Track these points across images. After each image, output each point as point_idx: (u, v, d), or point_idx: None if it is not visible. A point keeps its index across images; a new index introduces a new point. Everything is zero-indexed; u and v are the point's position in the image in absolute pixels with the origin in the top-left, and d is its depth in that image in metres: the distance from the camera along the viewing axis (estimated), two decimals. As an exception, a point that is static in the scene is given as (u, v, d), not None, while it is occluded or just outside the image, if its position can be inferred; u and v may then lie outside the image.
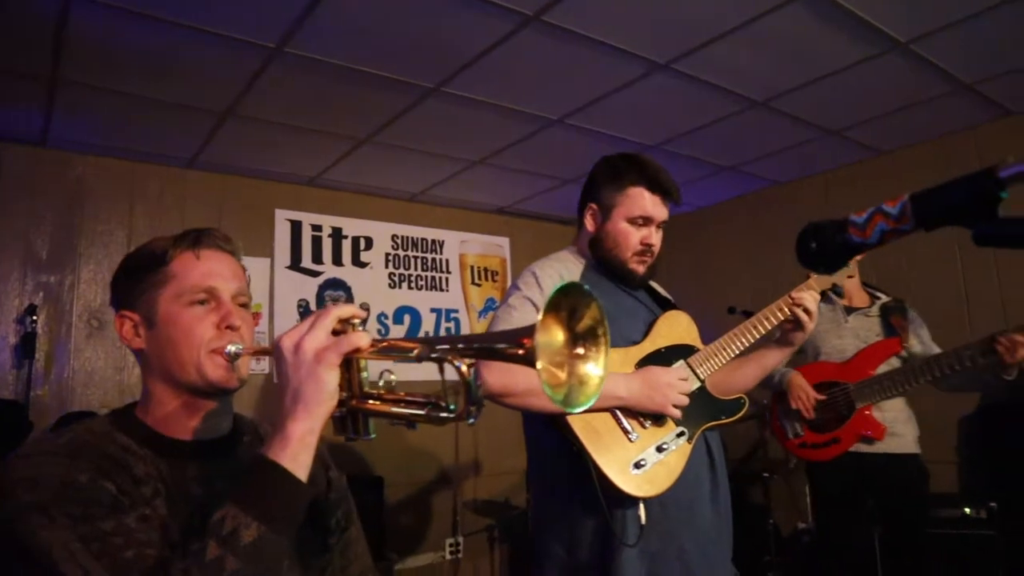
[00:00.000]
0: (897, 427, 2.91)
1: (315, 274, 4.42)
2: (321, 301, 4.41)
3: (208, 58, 2.96)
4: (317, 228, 4.47)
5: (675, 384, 1.75)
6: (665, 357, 1.84)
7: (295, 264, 4.36)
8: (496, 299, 5.14)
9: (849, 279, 3.06)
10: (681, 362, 1.85)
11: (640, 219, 1.86)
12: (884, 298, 3.12)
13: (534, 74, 3.28)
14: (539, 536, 1.83)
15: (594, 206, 1.92)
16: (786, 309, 1.92)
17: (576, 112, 3.69)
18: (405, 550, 4.39)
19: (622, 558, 1.66)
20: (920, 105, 3.83)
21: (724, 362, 1.89)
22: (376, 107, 3.52)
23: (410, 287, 4.78)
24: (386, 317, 4.65)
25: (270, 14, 2.67)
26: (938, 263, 4.22)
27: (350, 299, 4.54)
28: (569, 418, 1.68)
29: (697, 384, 1.84)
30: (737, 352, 1.91)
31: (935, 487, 3.87)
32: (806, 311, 1.88)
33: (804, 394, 2.94)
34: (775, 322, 1.94)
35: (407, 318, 4.73)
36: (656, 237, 1.90)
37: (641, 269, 1.90)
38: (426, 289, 4.84)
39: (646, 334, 1.87)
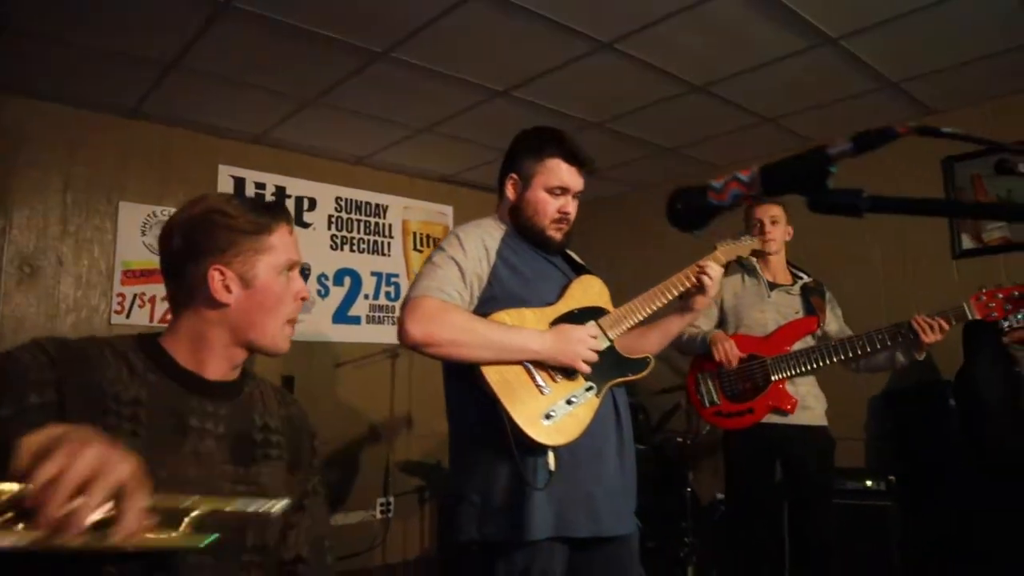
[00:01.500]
0: (808, 400, 3.05)
1: (257, 231, 4.43)
2: (262, 259, 4.42)
3: (157, 7, 2.93)
4: (261, 186, 4.48)
5: (585, 340, 1.86)
6: (577, 318, 1.94)
7: (237, 221, 4.36)
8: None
9: (774, 256, 3.23)
10: (592, 322, 1.95)
11: (557, 189, 1.98)
12: (806, 278, 3.26)
13: (481, 45, 3.35)
14: (455, 485, 1.93)
15: (515, 176, 2.02)
16: (692, 276, 2.07)
17: (521, 85, 3.78)
18: (335, 507, 4.47)
19: (532, 502, 1.76)
20: (850, 100, 4.02)
21: (633, 324, 2.02)
22: (324, 68, 3.54)
23: (352, 249, 4.83)
24: (327, 278, 4.69)
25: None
26: (856, 252, 4.45)
27: (291, 258, 4.57)
28: (484, 370, 1.78)
29: (607, 343, 1.95)
30: (646, 315, 2.04)
31: (843, 461, 4.13)
32: (711, 278, 2.04)
33: (730, 352, 3.03)
34: (682, 288, 2.08)
35: (347, 280, 4.78)
36: (572, 206, 2.02)
37: (558, 236, 2.01)
38: (368, 252, 4.89)
39: (560, 296, 1.97)
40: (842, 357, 2.94)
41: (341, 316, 4.72)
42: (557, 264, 2.06)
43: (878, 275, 4.39)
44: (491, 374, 1.78)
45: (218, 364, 1.31)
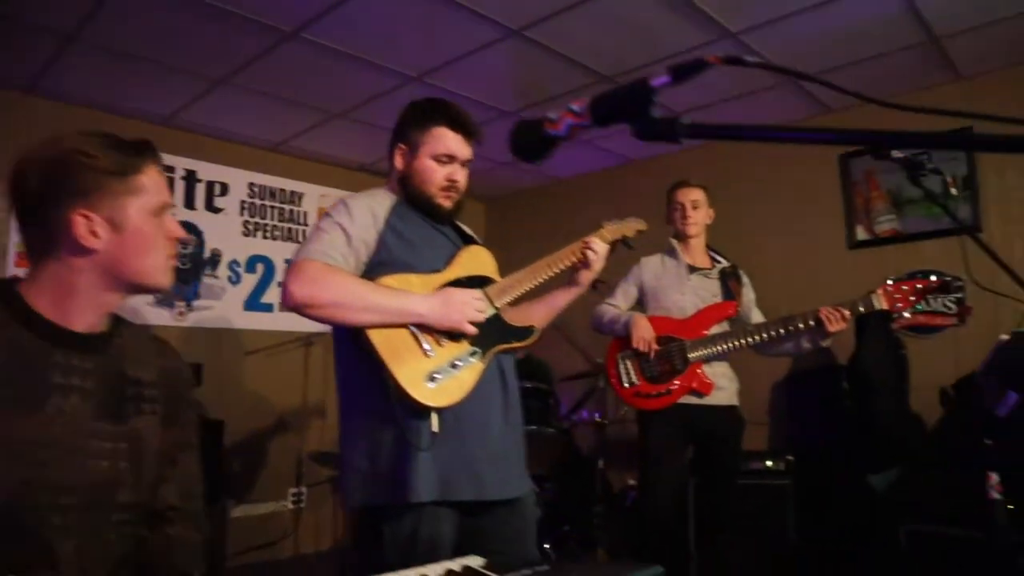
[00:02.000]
0: (722, 382, 3.14)
1: (165, 216, 4.33)
2: (170, 244, 4.32)
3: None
4: (169, 169, 4.37)
5: (471, 304, 1.89)
6: (464, 285, 1.97)
7: (143, 204, 4.25)
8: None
9: (695, 239, 3.30)
10: (479, 290, 1.98)
11: (444, 156, 1.99)
12: (724, 263, 3.34)
13: (393, 29, 3.37)
14: (343, 450, 1.93)
15: (403, 146, 2.03)
16: (578, 251, 2.15)
17: (434, 71, 3.81)
18: (245, 497, 4.40)
19: (416, 464, 1.78)
20: (752, 95, 4.19)
21: (519, 293, 2.06)
22: (234, 47, 3.49)
23: (265, 236, 4.76)
24: (238, 265, 4.61)
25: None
26: (756, 242, 4.63)
27: (201, 243, 4.47)
28: (368, 333, 1.79)
29: (492, 311, 1.98)
30: (532, 286, 2.08)
31: (748, 444, 4.28)
32: (595, 253, 2.13)
33: (648, 334, 3.10)
34: (568, 263, 2.15)
35: (260, 267, 4.71)
36: (460, 174, 2.03)
37: (447, 203, 2.03)
38: (282, 239, 4.83)
39: (448, 264, 2.00)
40: (756, 340, 3.01)
41: (253, 303, 4.65)
42: (447, 234, 2.09)
43: (777, 265, 4.57)
44: (375, 337, 1.79)
45: (86, 314, 1.26)
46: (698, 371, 3.08)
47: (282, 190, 4.88)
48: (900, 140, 0.80)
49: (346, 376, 1.98)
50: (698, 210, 3.26)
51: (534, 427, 3.88)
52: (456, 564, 1.28)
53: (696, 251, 3.31)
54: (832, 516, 3.69)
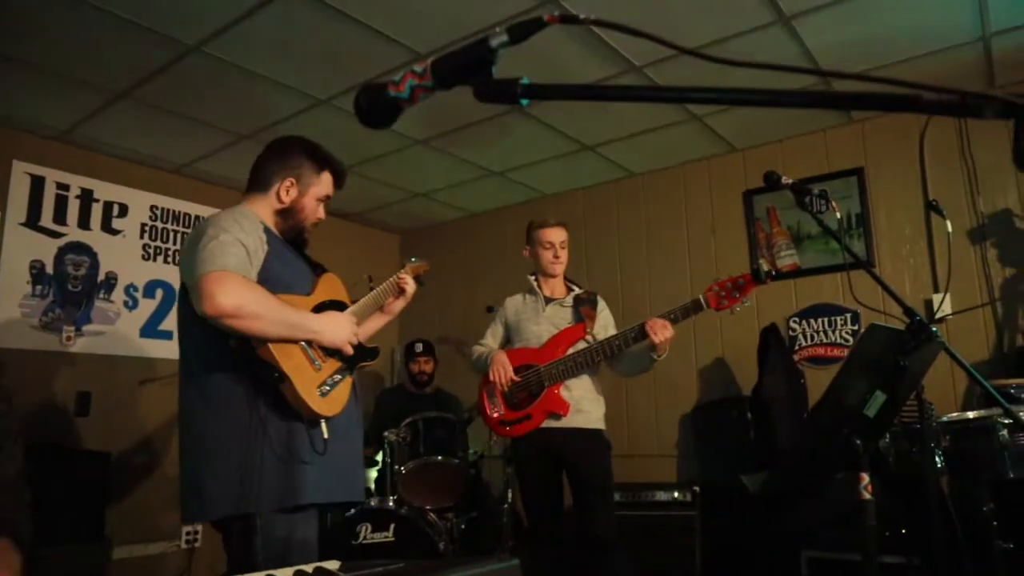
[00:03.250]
0: (584, 404, 3.19)
1: (56, 235, 4.11)
2: (60, 264, 4.10)
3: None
4: (63, 187, 4.17)
5: (350, 326, 2.12)
6: (329, 308, 2.16)
7: (32, 222, 4.02)
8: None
9: (551, 279, 3.40)
10: (349, 312, 2.22)
11: (325, 198, 2.26)
12: (578, 290, 3.43)
13: (297, 48, 3.32)
14: (200, 463, 1.92)
15: (291, 181, 2.17)
16: (396, 284, 2.54)
17: (343, 94, 3.77)
18: (131, 537, 4.13)
19: (306, 470, 1.93)
20: (661, 130, 4.30)
21: (367, 316, 2.40)
22: (134, 59, 3.38)
23: (167, 261, 4.56)
24: (136, 289, 4.41)
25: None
26: (670, 285, 4.72)
27: (95, 265, 4.26)
28: (272, 346, 1.89)
29: None
30: (372, 310, 2.47)
31: (657, 476, 4.32)
32: (410, 286, 2.57)
33: (502, 368, 3.21)
34: (392, 290, 2.54)
35: (160, 292, 4.50)
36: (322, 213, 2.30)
37: (309, 238, 2.29)
38: (184, 264, 4.65)
39: (313, 289, 2.19)
40: (601, 357, 3.12)
41: (151, 330, 4.44)
42: (306, 265, 2.27)
43: (687, 293, 4.64)
44: (277, 351, 1.90)
45: None
46: (555, 392, 3.17)
47: (186, 214, 4.72)
48: (755, 96, 0.80)
49: (211, 392, 1.98)
50: (565, 249, 3.38)
51: (438, 457, 3.80)
52: (310, 567, 1.22)
53: (554, 284, 3.44)
54: (736, 545, 3.71)
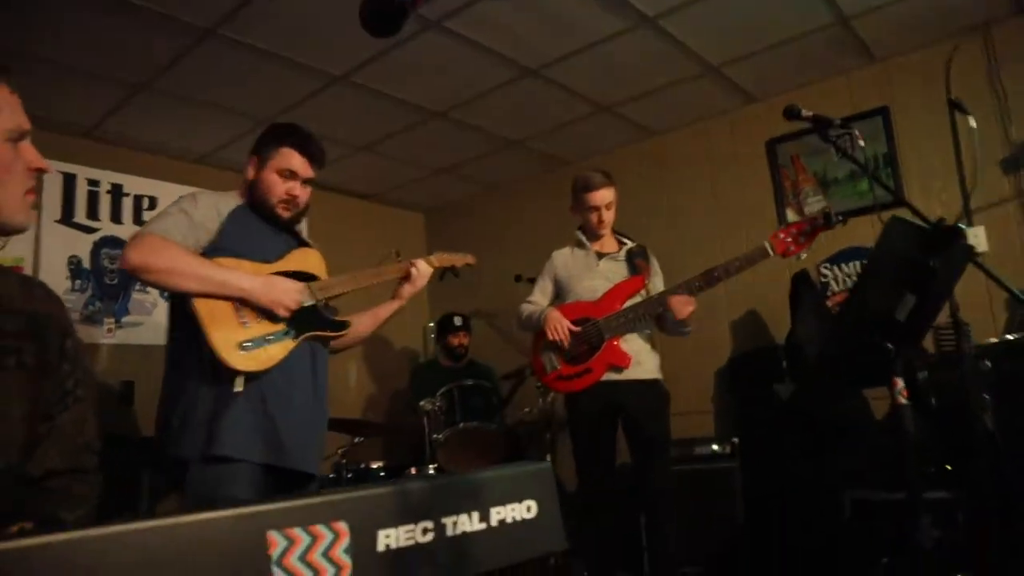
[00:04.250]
0: (641, 356, 3.19)
1: (90, 230, 4.21)
2: (97, 259, 4.20)
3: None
4: (94, 183, 4.26)
5: (290, 291, 2.15)
6: (292, 277, 2.22)
7: (67, 219, 4.13)
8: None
9: (602, 231, 3.36)
10: (304, 283, 2.24)
11: (287, 172, 2.26)
12: (630, 243, 3.42)
13: (312, 23, 3.33)
14: (162, 410, 2.13)
15: (255, 158, 2.31)
16: (405, 268, 2.55)
17: (359, 68, 3.78)
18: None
19: (222, 421, 2.01)
20: (677, 85, 4.25)
21: (340, 292, 2.36)
22: (152, 48, 3.43)
23: (198, 249, 4.65)
24: (170, 279, 4.50)
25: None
26: (696, 233, 4.68)
27: (128, 257, 4.36)
28: (195, 301, 2.02)
29: (312, 302, 2.23)
30: (352, 288, 2.40)
31: (694, 431, 4.31)
32: (419, 272, 2.55)
33: (559, 325, 3.18)
34: (393, 275, 2.55)
35: (193, 280, 4.60)
36: (300, 190, 2.30)
37: (285, 214, 2.30)
38: (215, 252, 4.73)
39: (279, 258, 2.26)
40: (652, 313, 3.13)
41: (187, 318, 4.53)
42: (284, 239, 2.34)
43: (714, 251, 4.61)
44: (200, 305, 2.02)
45: None
46: (615, 345, 3.15)
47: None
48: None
49: (173, 343, 2.19)
50: (610, 210, 3.34)
51: (475, 423, 3.84)
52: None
53: (605, 239, 3.41)
54: (778, 493, 3.69)
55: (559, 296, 3.42)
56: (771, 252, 2.89)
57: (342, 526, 0.79)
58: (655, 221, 4.97)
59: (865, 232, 4.10)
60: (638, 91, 4.32)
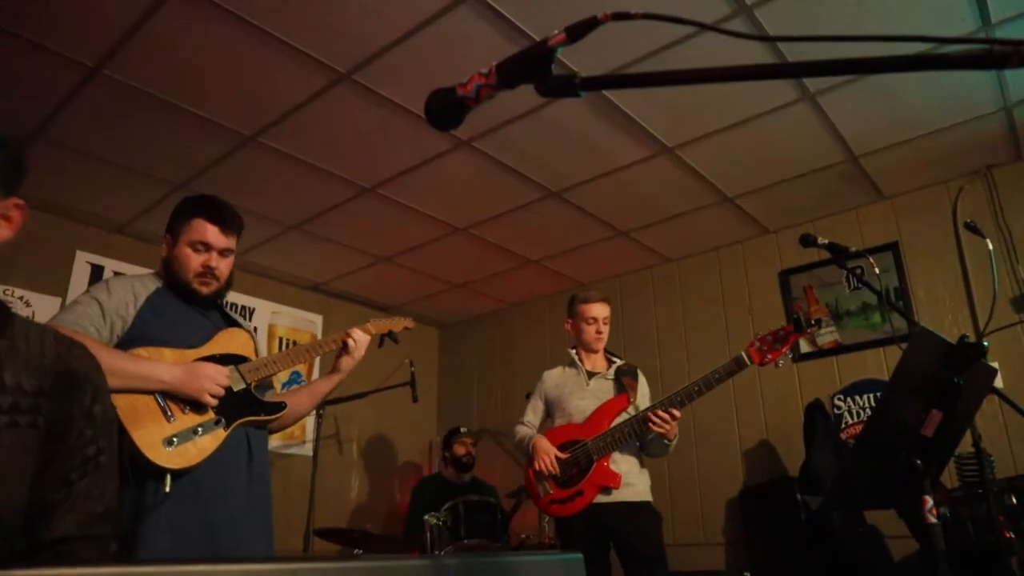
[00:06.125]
0: (631, 478, 3.16)
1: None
2: (113, 352, 4.23)
3: (23, 68, 2.94)
4: (120, 275, 4.36)
5: (213, 377, 2.02)
6: (219, 361, 2.11)
7: (89, 310, 4.20)
8: (302, 373, 5.12)
9: (593, 354, 3.41)
10: (232, 366, 2.12)
11: (200, 244, 2.14)
12: (619, 362, 3.46)
13: (347, 135, 3.52)
14: None
15: (168, 235, 2.20)
16: (339, 339, 2.42)
17: (387, 182, 3.95)
18: None
19: (146, 524, 1.86)
20: (693, 213, 4.40)
21: (272, 372, 2.23)
22: (192, 150, 3.61)
23: (213, 349, 4.68)
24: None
25: (91, 30, 2.75)
26: (710, 357, 4.70)
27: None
28: (114, 398, 1.82)
29: (243, 386, 2.13)
30: (287, 367, 2.28)
31: (705, 565, 4.17)
32: (355, 341, 2.41)
33: (547, 456, 3.20)
34: (327, 349, 2.42)
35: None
36: (218, 261, 2.17)
37: (204, 289, 2.17)
38: (230, 352, 4.75)
39: (205, 343, 2.14)
40: (632, 433, 3.10)
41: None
42: (211, 318, 2.23)
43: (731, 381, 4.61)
44: (119, 400, 1.87)
45: None
46: (604, 465, 3.14)
47: (232, 303, 4.87)
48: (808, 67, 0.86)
49: None
50: (607, 325, 3.42)
51: (478, 540, 3.73)
52: None
53: (596, 358, 3.45)
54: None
55: (549, 415, 3.45)
56: (748, 362, 2.91)
57: (378, 595, 0.77)
58: (668, 346, 5.02)
59: (878, 364, 4.12)
60: (655, 218, 4.47)
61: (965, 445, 2.55)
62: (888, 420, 1.46)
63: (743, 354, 2.95)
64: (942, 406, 1.38)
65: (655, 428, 2.98)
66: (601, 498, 3.10)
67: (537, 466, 3.20)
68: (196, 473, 1.94)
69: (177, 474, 1.90)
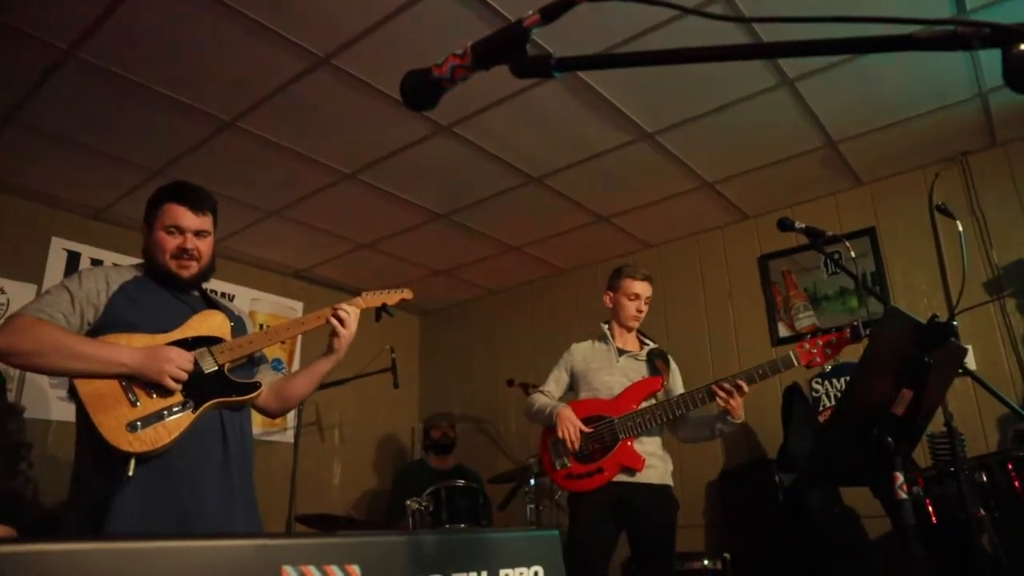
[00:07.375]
0: (654, 460, 3.12)
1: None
2: (90, 340, 4.20)
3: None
4: (97, 263, 4.31)
5: (175, 360, 1.98)
6: (191, 344, 2.09)
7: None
8: (283, 360, 5.10)
9: (626, 332, 3.37)
10: (204, 348, 2.10)
11: (172, 227, 2.13)
12: (652, 345, 3.42)
13: (327, 120, 3.50)
14: (70, 491, 2.02)
15: (145, 226, 2.20)
16: (327, 315, 2.29)
17: (368, 167, 3.93)
18: None
19: (113, 507, 1.85)
20: (674, 199, 4.42)
21: (247, 352, 2.19)
22: (171, 135, 3.57)
23: (193, 336, 4.65)
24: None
25: (64, 10, 2.69)
26: (689, 347, 4.74)
27: (123, 340, 4.35)
28: (75, 382, 1.91)
29: (214, 367, 2.09)
30: (265, 346, 2.25)
31: (685, 546, 4.21)
32: (346, 315, 2.27)
33: (571, 425, 3.11)
34: (312, 324, 2.31)
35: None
36: (194, 242, 2.16)
37: (183, 272, 2.16)
38: (210, 339, 4.72)
39: (178, 326, 2.12)
40: (669, 416, 3.05)
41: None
42: (189, 302, 2.21)
43: (706, 364, 4.66)
44: (82, 386, 1.91)
45: None
46: (629, 445, 3.07)
47: (213, 291, 4.82)
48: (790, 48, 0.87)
49: (77, 425, 2.04)
50: (648, 305, 3.36)
51: (463, 525, 3.74)
52: None
53: (629, 337, 3.40)
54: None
55: (572, 389, 3.37)
56: (796, 363, 2.86)
57: (355, 569, 0.79)
58: (648, 331, 5.04)
59: (855, 348, 4.14)
60: (636, 203, 4.49)
61: (937, 424, 2.59)
62: (860, 398, 1.49)
63: (791, 354, 2.87)
64: (912, 385, 1.41)
65: (720, 403, 2.89)
66: (622, 477, 3.05)
67: (560, 434, 3.09)
68: (165, 457, 1.92)
69: (143, 458, 1.89)
